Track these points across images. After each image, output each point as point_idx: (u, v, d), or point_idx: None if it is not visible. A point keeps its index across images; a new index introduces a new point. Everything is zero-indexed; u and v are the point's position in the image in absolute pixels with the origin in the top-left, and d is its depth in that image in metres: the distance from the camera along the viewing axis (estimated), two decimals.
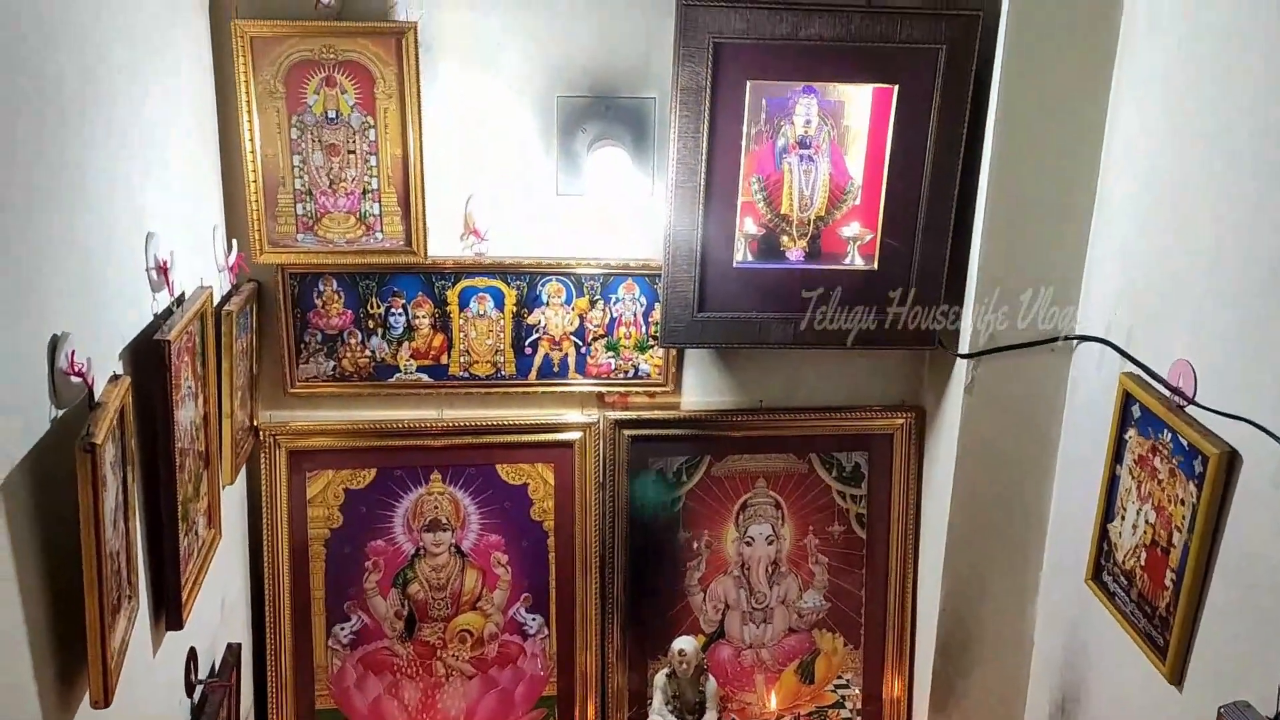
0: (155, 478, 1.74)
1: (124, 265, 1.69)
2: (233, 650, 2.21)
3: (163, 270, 1.81)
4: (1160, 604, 2.08)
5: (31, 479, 1.32)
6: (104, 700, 1.41)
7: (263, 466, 2.49)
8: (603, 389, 2.63)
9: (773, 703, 2.78)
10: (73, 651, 1.41)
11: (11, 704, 1.27)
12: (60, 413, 1.41)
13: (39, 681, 1.33)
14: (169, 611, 1.80)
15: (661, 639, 2.66)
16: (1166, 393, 2.06)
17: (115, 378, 1.57)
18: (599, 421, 2.63)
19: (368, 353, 2.51)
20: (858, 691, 2.80)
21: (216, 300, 2.13)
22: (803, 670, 2.79)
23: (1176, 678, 2.03)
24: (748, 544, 2.73)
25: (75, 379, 1.42)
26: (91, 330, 1.51)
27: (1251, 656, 1.83)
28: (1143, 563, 2.14)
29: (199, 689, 2.02)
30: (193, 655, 2.00)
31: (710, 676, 2.54)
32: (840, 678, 2.80)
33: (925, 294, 2.47)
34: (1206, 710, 1.82)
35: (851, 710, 2.81)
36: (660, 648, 2.68)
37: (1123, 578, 2.22)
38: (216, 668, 2.15)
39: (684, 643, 2.51)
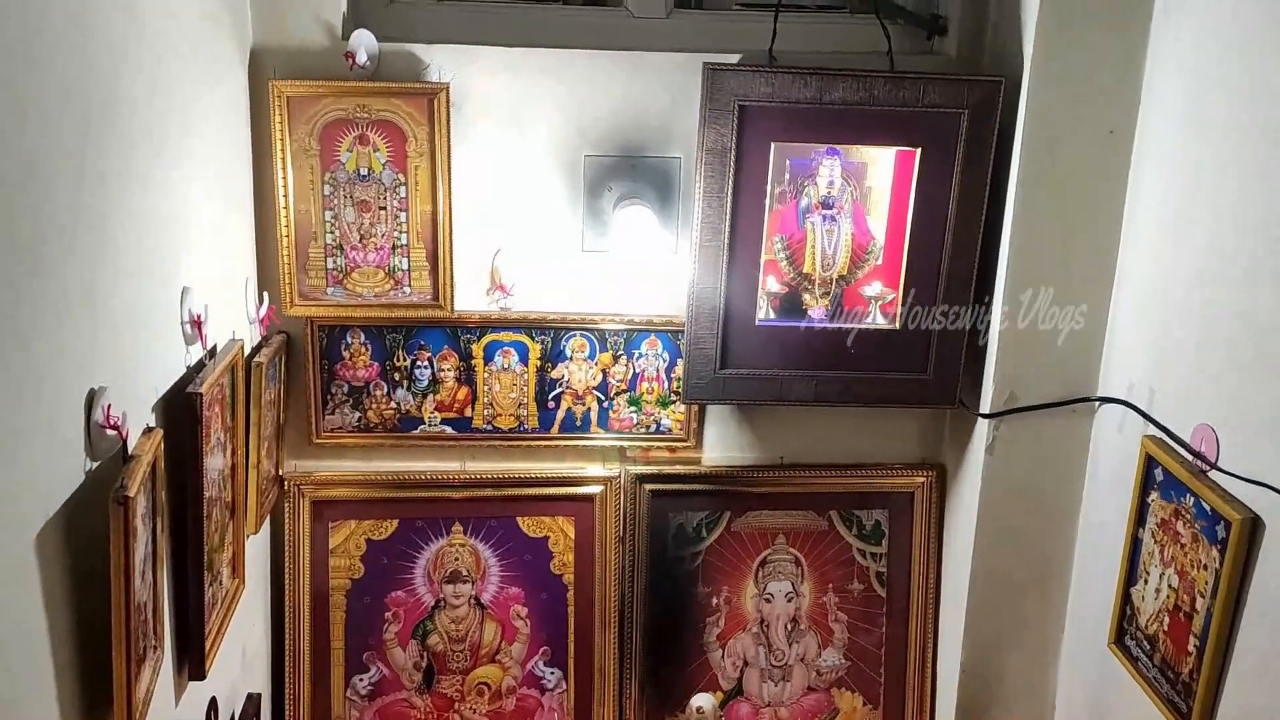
0: (183, 528, 1.76)
1: (160, 319, 1.72)
2: (253, 700, 2.22)
3: (197, 324, 1.84)
4: (1184, 669, 2.06)
5: (65, 530, 1.35)
6: None
7: (286, 516, 2.51)
8: (624, 443, 2.64)
9: None
10: (99, 701, 1.43)
11: None
12: (94, 465, 1.44)
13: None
14: (192, 662, 1.81)
15: (679, 695, 2.65)
16: (1189, 457, 2.06)
17: (149, 430, 1.60)
18: (620, 475, 2.64)
19: (393, 404, 2.54)
20: None
21: (247, 352, 2.17)
22: None
23: None
24: (767, 601, 2.72)
25: (111, 432, 1.45)
26: (128, 383, 1.55)
27: None
28: (1165, 627, 2.13)
29: None
30: (213, 705, 2.01)
31: None
32: None
33: (947, 354, 2.48)
34: None
35: None
36: (678, 704, 2.67)
37: (1146, 642, 2.20)
38: (236, 718, 2.15)
39: (702, 700, 2.50)
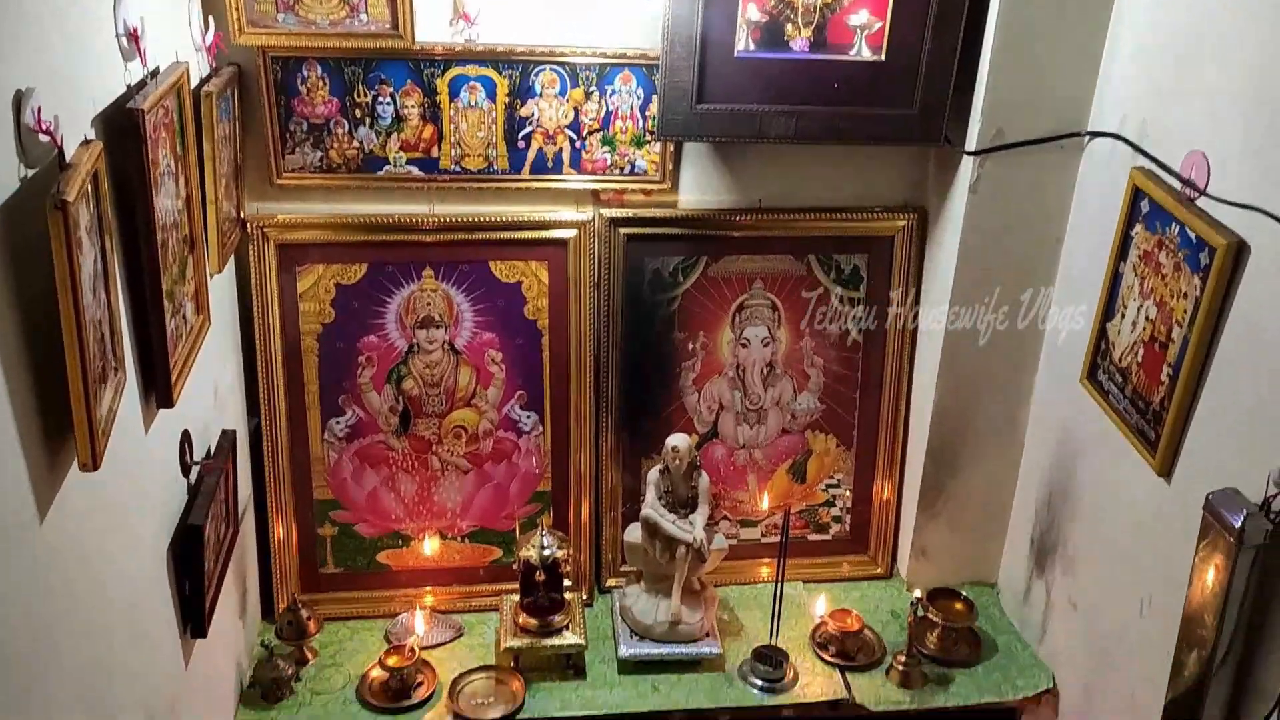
0: (137, 253, 1.69)
1: (91, 27, 1.60)
2: (227, 436, 2.22)
3: (134, 38, 1.72)
4: (1155, 398, 2.07)
5: (3, 239, 1.28)
6: (92, 463, 1.41)
7: (251, 259, 2.44)
8: (598, 185, 2.56)
9: (764, 502, 2.82)
10: (60, 418, 1.40)
11: None
12: (29, 172, 1.36)
13: (24, 443, 1.32)
14: (159, 390, 1.79)
15: (655, 438, 2.67)
16: (1177, 185, 2.01)
17: (87, 142, 1.51)
18: (594, 219, 2.57)
19: (355, 143, 2.43)
20: (848, 492, 2.84)
21: (195, 80, 2.04)
22: (795, 470, 2.82)
23: (1166, 470, 2.05)
24: (743, 346, 2.71)
25: (43, 137, 1.36)
26: (60, 91, 1.44)
27: (1241, 448, 1.83)
28: (1139, 359, 2.13)
29: (195, 470, 2.03)
30: (186, 438, 2.00)
31: (703, 472, 2.56)
32: (832, 478, 2.83)
33: (934, 88, 2.37)
34: (1194, 500, 1.84)
35: (841, 509, 2.86)
36: (654, 447, 2.70)
37: (1118, 375, 2.21)
38: (211, 452, 2.16)
39: (678, 439, 2.52)
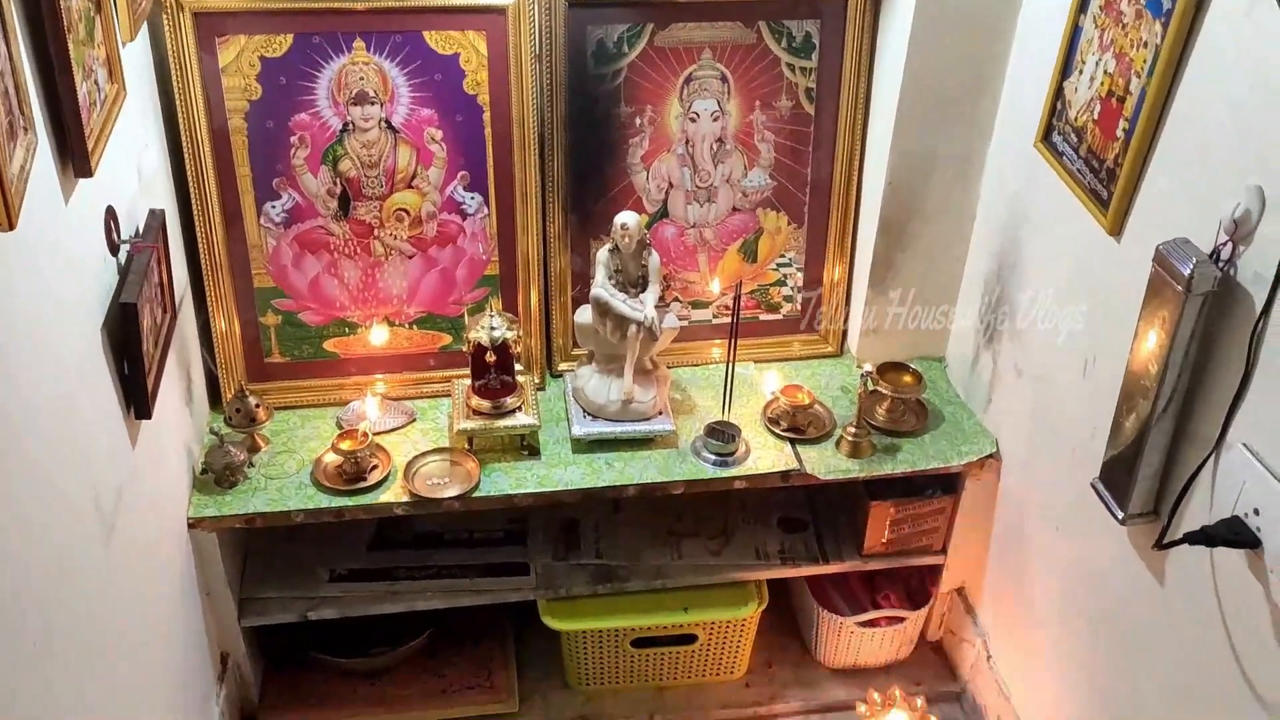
0: (38, 6, 1.56)
1: None
2: (156, 216, 2.12)
3: None
4: (1109, 157, 2.04)
5: None
6: (8, 222, 1.33)
7: (166, 29, 2.28)
8: None
9: (715, 286, 2.79)
10: None
11: None
12: None
13: None
14: (75, 158, 1.68)
15: (603, 219, 2.61)
16: None
17: None
18: None
19: None
20: (799, 270, 2.82)
21: None
22: (745, 249, 2.79)
23: (1117, 229, 2.04)
24: (692, 120, 2.63)
25: None
26: None
27: (1193, 202, 1.82)
28: (1096, 116, 2.09)
29: (123, 249, 1.95)
30: (112, 214, 1.91)
31: (653, 250, 2.52)
32: (783, 256, 2.81)
33: None
34: (1143, 258, 1.83)
35: (793, 288, 2.84)
36: (602, 228, 2.65)
37: (1073, 135, 2.17)
38: (140, 232, 2.07)
39: (626, 217, 2.46)
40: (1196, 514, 1.83)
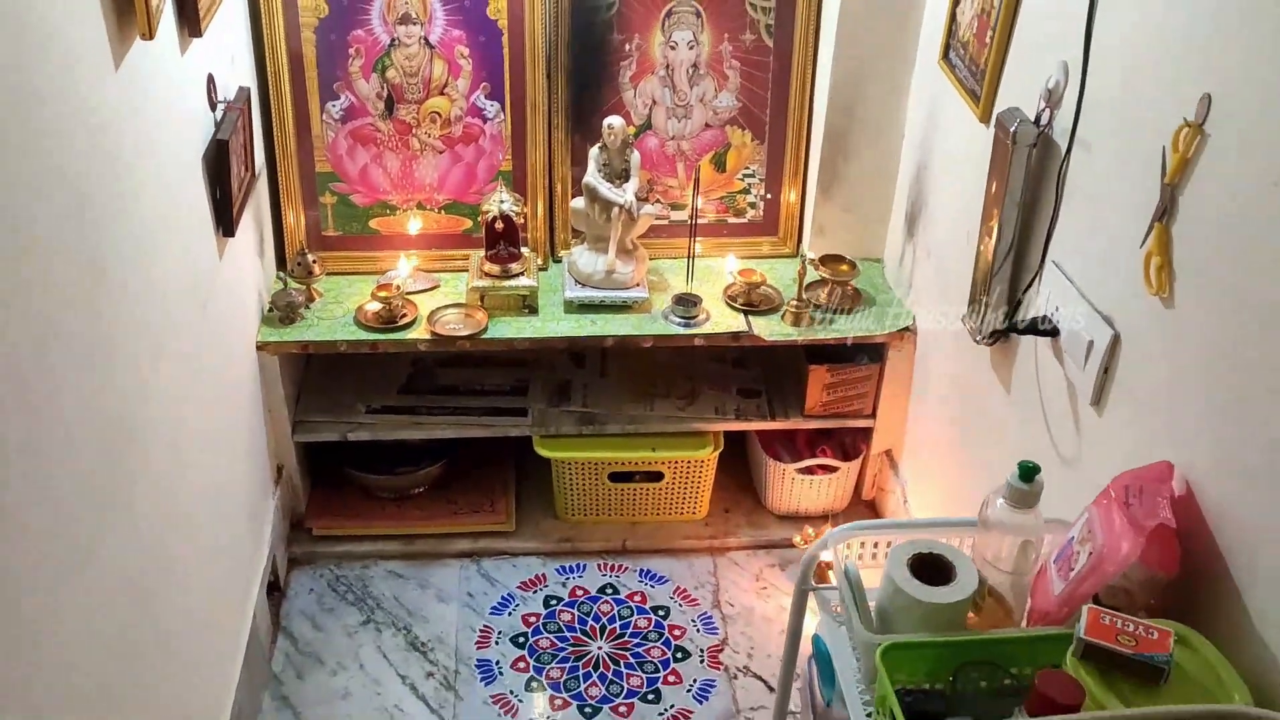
0: None
1: None
2: (243, 91, 2.76)
3: None
4: (980, 60, 2.60)
5: None
6: (149, 32, 1.96)
7: None
8: None
9: (696, 199, 3.37)
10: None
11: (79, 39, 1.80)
12: None
13: (104, 10, 1.86)
14: (189, 21, 2.31)
15: (599, 132, 3.20)
16: None
17: None
18: None
19: None
20: (761, 179, 3.39)
21: None
22: (716, 161, 3.36)
23: (986, 117, 2.58)
24: (672, 48, 3.22)
25: None
26: None
27: (1031, 86, 2.36)
28: (975, 31, 2.64)
29: (220, 107, 2.58)
30: (211, 80, 2.54)
31: (634, 149, 3.11)
32: (747, 168, 3.38)
33: None
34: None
35: (756, 196, 3.41)
36: (597, 139, 3.24)
37: (961, 49, 2.73)
38: (231, 100, 2.70)
39: (614, 119, 3.06)
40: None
